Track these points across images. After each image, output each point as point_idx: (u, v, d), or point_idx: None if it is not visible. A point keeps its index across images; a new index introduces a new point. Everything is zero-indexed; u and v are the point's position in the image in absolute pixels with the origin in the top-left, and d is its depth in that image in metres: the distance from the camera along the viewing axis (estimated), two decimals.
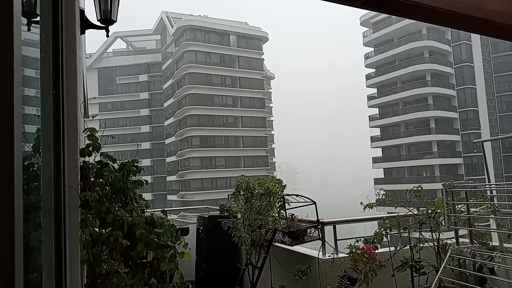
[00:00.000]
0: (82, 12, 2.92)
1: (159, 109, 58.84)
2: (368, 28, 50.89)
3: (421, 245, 4.53)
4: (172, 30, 52.98)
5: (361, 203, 4.69)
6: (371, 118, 50.90)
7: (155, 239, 2.59)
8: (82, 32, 3.01)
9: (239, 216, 5.01)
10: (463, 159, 44.87)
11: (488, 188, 5.26)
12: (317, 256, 4.41)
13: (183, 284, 2.73)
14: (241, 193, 4.79)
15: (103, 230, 2.58)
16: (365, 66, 51.64)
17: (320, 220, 4.54)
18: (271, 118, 59.99)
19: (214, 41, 51.92)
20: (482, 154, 6.47)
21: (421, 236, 4.53)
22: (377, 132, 50.81)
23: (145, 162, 54.66)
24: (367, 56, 51.34)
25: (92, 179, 2.63)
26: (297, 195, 4.62)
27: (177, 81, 52.38)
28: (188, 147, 50.12)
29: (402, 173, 47.01)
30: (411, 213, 4.61)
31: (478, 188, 4.85)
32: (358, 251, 4.32)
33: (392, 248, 4.56)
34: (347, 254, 4.40)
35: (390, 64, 48.13)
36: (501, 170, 44.17)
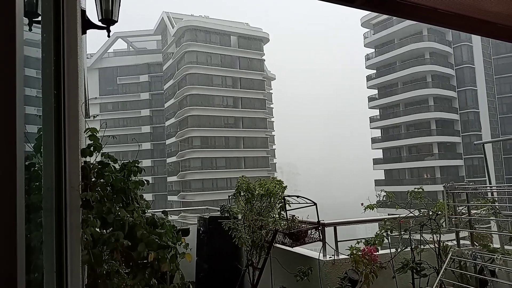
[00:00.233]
0: (83, 12, 2.92)
1: (159, 110, 58.87)
2: (369, 29, 50.91)
3: (422, 247, 4.52)
4: (173, 30, 53.03)
5: (362, 204, 4.68)
6: (372, 119, 50.89)
7: (156, 240, 2.59)
8: (84, 32, 3.01)
9: (239, 217, 5.01)
10: (463, 161, 44.83)
11: (489, 190, 5.26)
12: (317, 258, 4.41)
13: (184, 284, 2.73)
14: (242, 194, 4.79)
15: (104, 231, 2.58)
16: (365, 67, 51.66)
17: (321, 221, 4.53)
18: (272, 119, 60.02)
19: (215, 42, 51.96)
20: (483, 156, 6.46)
21: (422, 238, 4.53)
22: (377, 133, 50.81)
23: (146, 163, 54.69)
24: (368, 57, 51.35)
25: (93, 179, 2.64)
26: (297, 196, 4.62)
27: (178, 81, 52.42)
28: (189, 147, 50.14)
29: (402, 174, 46.99)
30: (412, 214, 4.60)
31: (479, 190, 4.84)
32: (359, 253, 4.32)
33: (393, 250, 4.56)
34: (347, 255, 4.39)
35: (391, 66, 48.14)
36: (502, 172, 44.13)
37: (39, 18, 2.20)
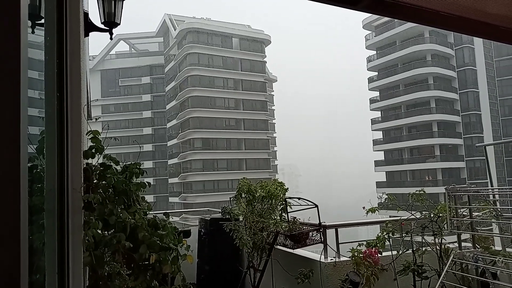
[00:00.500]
0: (86, 14, 2.94)
1: (161, 111, 58.94)
2: (370, 31, 50.93)
3: (424, 249, 4.51)
4: (175, 32, 53.15)
5: (364, 207, 4.68)
6: (374, 121, 50.85)
7: (158, 241, 2.59)
8: (86, 35, 3.03)
9: (241, 218, 5.01)
10: (465, 163, 44.73)
11: (491, 192, 5.25)
12: (319, 260, 4.40)
13: (185, 286, 2.73)
14: (243, 195, 4.79)
15: (106, 232, 2.59)
16: (367, 69, 51.65)
17: (322, 224, 4.53)
18: (273, 121, 60.02)
19: (216, 44, 52.04)
20: (484, 158, 6.45)
21: (423, 240, 4.52)
22: (379, 135, 50.75)
23: (147, 164, 54.71)
24: (369, 59, 51.35)
25: (95, 181, 2.64)
26: (299, 198, 4.62)
27: (180, 83, 52.50)
28: (190, 149, 50.17)
29: (404, 176, 46.89)
30: (413, 217, 4.60)
31: (480, 192, 4.83)
32: (360, 255, 4.31)
33: (395, 252, 4.55)
34: (349, 257, 4.39)
35: (393, 67, 48.12)
36: (503, 174, 43.99)
37: (42, 21, 2.21)
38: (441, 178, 43.21)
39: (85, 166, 2.59)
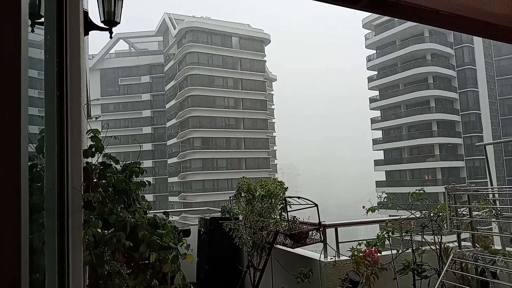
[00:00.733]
0: (86, 13, 2.93)
1: (161, 111, 58.93)
2: (370, 31, 50.93)
3: (423, 248, 4.51)
4: (175, 31, 53.11)
5: (363, 207, 4.68)
6: (373, 121, 50.87)
7: (158, 241, 2.59)
8: (86, 34, 3.02)
9: (240, 218, 5.01)
10: (465, 162, 44.77)
11: (491, 192, 5.25)
12: (318, 259, 4.41)
13: (185, 285, 2.73)
14: (243, 195, 4.79)
15: (106, 231, 2.59)
16: (367, 69, 51.67)
17: (322, 223, 4.53)
18: (273, 120, 60.02)
19: (216, 43, 52.01)
20: (484, 157, 6.45)
21: (423, 239, 4.52)
22: (379, 134, 50.77)
23: (147, 164, 54.70)
24: (369, 58, 51.36)
25: (95, 180, 2.64)
26: (298, 197, 4.62)
27: (179, 82, 52.48)
28: (190, 148, 50.17)
29: (404, 176, 46.92)
30: (413, 216, 4.60)
31: (480, 191, 4.83)
32: (360, 254, 4.31)
33: (394, 251, 4.55)
34: (349, 257, 4.39)
35: (392, 67, 48.14)
36: (503, 173, 44.04)
37: (42, 20, 2.21)
38: (440, 177, 43.25)
39: (85, 165, 2.59)
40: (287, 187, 4.79)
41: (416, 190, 4.71)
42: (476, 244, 4.37)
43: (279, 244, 4.58)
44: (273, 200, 4.65)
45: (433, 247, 4.49)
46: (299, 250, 4.70)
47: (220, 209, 5.77)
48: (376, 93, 50.95)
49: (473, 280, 4.26)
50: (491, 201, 4.70)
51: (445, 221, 4.42)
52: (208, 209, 7.83)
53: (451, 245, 4.54)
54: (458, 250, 4.34)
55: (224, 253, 5.45)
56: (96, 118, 4.24)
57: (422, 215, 4.55)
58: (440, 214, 4.47)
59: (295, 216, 4.60)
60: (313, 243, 4.50)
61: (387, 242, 4.57)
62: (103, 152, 2.73)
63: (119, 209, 2.62)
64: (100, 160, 2.74)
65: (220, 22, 53.28)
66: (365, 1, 2.03)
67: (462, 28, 2.92)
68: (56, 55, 2.23)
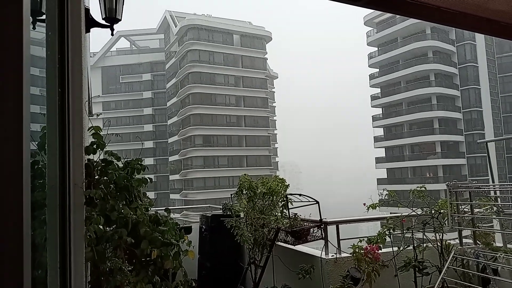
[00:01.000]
0: (87, 10, 2.93)
1: (162, 108, 58.93)
2: (372, 28, 50.77)
3: (424, 245, 4.52)
4: (176, 29, 53.03)
5: (364, 204, 4.68)
6: (375, 118, 50.79)
7: (159, 237, 2.60)
8: (87, 31, 3.02)
9: (242, 215, 5.02)
10: (466, 160, 44.69)
11: (492, 189, 5.25)
12: (320, 256, 4.42)
13: (187, 282, 2.74)
14: (244, 192, 4.80)
15: (108, 228, 2.59)
16: (368, 66, 51.54)
17: (323, 220, 4.54)
18: (274, 118, 59.97)
19: (217, 41, 51.92)
20: (485, 154, 6.44)
21: (424, 237, 4.53)
22: (380, 132, 50.70)
23: (148, 161, 54.72)
24: (370, 56, 51.23)
25: (96, 177, 2.65)
26: (300, 195, 4.62)
27: (181, 80, 52.43)
28: (191, 146, 50.18)
29: (405, 173, 46.88)
30: (414, 213, 4.60)
31: (482, 188, 4.83)
32: (361, 251, 4.32)
33: (395, 248, 4.56)
34: (350, 254, 4.40)
35: (394, 64, 48.00)
36: (505, 171, 43.96)
37: (43, 17, 2.21)
38: (442, 175, 43.19)
39: (86, 162, 2.60)
40: (288, 185, 4.79)
41: (418, 187, 4.71)
42: (477, 241, 4.37)
43: (281, 241, 4.59)
44: (274, 197, 4.66)
45: (434, 244, 4.50)
46: (300, 247, 4.70)
47: (221, 207, 5.78)
48: (378, 90, 50.84)
49: (474, 277, 4.27)
50: (493, 198, 4.70)
51: (446, 218, 4.42)
52: (209, 206, 7.84)
53: (452, 242, 4.54)
54: (459, 247, 4.34)
55: (226, 250, 5.45)
56: (98, 115, 4.25)
57: (423, 212, 4.55)
58: (442, 211, 4.47)
59: (296, 213, 4.61)
60: (314, 240, 4.51)
61: (388, 239, 4.57)
62: (104, 149, 2.74)
63: (120, 206, 2.62)
64: (101, 157, 2.74)
65: (222, 20, 53.16)
66: None
67: (464, 25, 2.91)
68: (58, 52, 2.24)
